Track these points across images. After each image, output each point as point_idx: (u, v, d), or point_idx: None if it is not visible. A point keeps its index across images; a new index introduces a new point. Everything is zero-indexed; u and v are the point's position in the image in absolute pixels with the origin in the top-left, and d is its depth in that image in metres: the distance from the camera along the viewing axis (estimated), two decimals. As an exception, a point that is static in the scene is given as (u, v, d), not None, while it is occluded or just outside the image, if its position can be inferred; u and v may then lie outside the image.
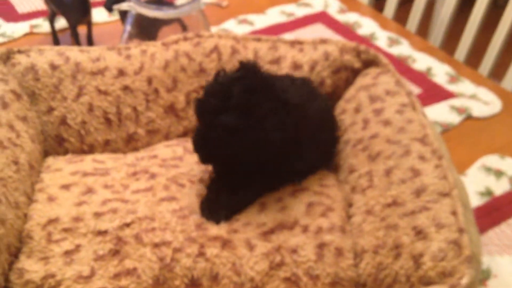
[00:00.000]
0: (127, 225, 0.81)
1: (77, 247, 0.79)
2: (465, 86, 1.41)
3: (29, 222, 0.83)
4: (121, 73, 1.01)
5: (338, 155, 0.99)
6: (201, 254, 0.78)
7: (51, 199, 0.86)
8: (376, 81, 1.05)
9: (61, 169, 0.93)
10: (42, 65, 0.99)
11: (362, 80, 1.07)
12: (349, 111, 1.03)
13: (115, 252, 0.78)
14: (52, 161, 0.96)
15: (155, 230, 0.80)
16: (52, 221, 0.82)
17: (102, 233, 0.80)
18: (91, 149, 1.01)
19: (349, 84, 1.09)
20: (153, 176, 0.90)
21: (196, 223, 0.81)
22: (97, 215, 0.83)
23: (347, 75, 1.08)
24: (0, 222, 0.78)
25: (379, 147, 0.91)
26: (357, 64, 1.08)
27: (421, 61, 1.51)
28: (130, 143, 1.02)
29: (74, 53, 1.02)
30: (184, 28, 1.31)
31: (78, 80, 1.00)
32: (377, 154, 0.91)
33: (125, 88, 1.01)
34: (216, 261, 0.77)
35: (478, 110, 1.32)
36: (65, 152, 1.00)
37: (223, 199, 0.82)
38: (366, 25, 1.66)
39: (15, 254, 0.81)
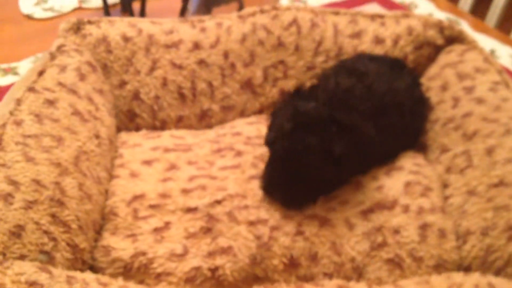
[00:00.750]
0: (218, 202, 0.78)
1: (167, 224, 0.77)
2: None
3: (111, 198, 0.81)
4: (196, 46, 0.97)
5: (426, 134, 0.95)
6: (299, 232, 0.75)
7: (134, 174, 0.83)
8: (463, 58, 1.01)
9: (140, 144, 0.90)
10: (114, 36, 0.96)
11: (447, 57, 1.03)
12: (435, 89, 0.99)
13: (207, 230, 0.75)
14: (127, 137, 0.93)
15: (248, 208, 0.77)
16: (138, 197, 0.80)
17: (192, 210, 0.78)
18: (163, 125, 0.98)
19: (430, 62, 1.06)
20: (239, 153, 0.87)
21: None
22: (185, 191, 0.80)
23: (429, 51, 1.05)
24: (87, 197, 0.75)
25: (475, 126, 0.88)
26: (440, 41, 1.04)
27: (483, 44, 1.46)
28: (204, 120, 0.99)
29: (146, 24, 0.99)
30: (241, 7, 1.27)
31: (152, 53, 0.97)
32: (474, 133, 0.87)
33: (201, 62, 0.97)
34: (315, 240, 0.74)
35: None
36: (136, 128, 0.98)
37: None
38: (423, 6, 1.62)
39: (98, 231, 0.78)
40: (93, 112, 0.86)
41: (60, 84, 0.84)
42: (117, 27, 0.97)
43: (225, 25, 0.99)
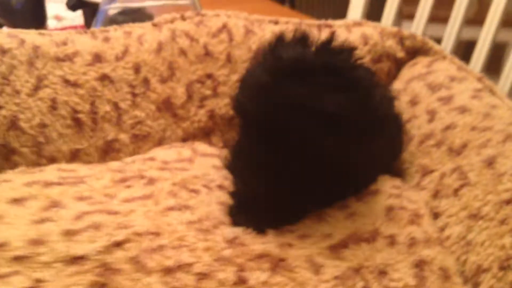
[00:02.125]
0: (118, 244, 0.53)
1: (38, 284, 0.51)
2: None
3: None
4: (98, 58, 0.77)
5: (400, 158, 0.76)
6: (241, 281, 0.51)
7: (-4, 218, 0.58)
8: (431, 69, 0.85)
9: (10, 180, 0.66)
10: (-15, 48, 0.73)
11: (411, 71, 0.87)
12: (402, 105, 0.82)
13: (100, 287, 0.50)
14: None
15: (164, 249, 0.53)
16: (-2, 247, 0.54)
17: (77, 259, 0.53)
18: (51, 164, 0.74)
19: (391, 79, 0.90)
20: (151, 181, 0.64)
21: (226, 238, 0.54)
22: (69, 234, 0.55)
23: (389, 65, 0.89)
24: None
25: (463, 138, 0.70)
26: (400, 54, 0.89)
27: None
28: (108, 154, 0.76)
29: (31, 36, 0.78)
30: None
31: (37, 68, 0.75)
32: (463, 145, 0.69)
33: (103, 78, 0.76)
34: (265, 292, 0.51)
35: None
36: (13, 168, 0.73)
37: (267, 200, 0.56)
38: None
39: None
40: None
41: None
42: (-9, 37, 0.75)
43: (136, 34, 0.80)
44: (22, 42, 0.76)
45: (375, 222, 0.58)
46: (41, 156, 0.75)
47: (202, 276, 0.51)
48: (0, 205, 0.61)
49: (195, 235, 0.55)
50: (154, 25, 0.81)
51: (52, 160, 0.75)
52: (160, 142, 0.78)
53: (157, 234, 0.55)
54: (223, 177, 0.66)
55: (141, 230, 0.55)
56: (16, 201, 0.61)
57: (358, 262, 0.54)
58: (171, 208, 0.59)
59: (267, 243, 0.54)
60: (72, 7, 1.03)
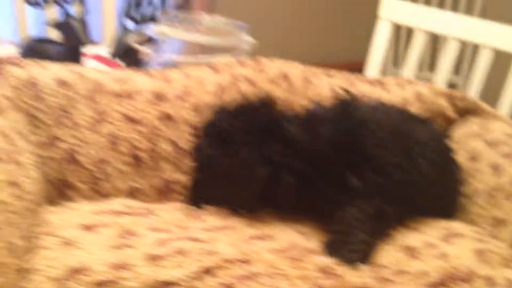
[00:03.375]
0: (207, 271, 0.52)
1: (124, 309, 0.49)
2: None
3: (31, 277, 0.53)
4: (159, 97, 0.78)
5: (465, 210, 0.76)
6: (345, 312, 0.49)
7: (68, 243, 0.57)
8: (486, 128, 0.87)
9: (76, 208, 0.64)
10: (46, 80, 0.74)
11: (464, 130, 0.89)
12: (460, 162, 0.84)
13: (195, 314, 0.48)
14: (54, 209, 0.67)
15: (258, 277, 0.51)
16: (76, 271, 0.52)
17: (166, 285, 0.51)
18: (106, 202, 0.73)
19: (442, 136, 0.91)
20: (225, 216, 0.63)
21: (319, 267, 0.53)
22: (154, 259, 0.54)
23: (440, 123, 0.91)
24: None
25: (535, 189, 0.71)
26: (451, 113, 0.91)
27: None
28: (166, 195, 0.75)
29: (90, 72, 0.79)
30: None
31: (97, 102, 0.75)
32: (537, 196, 0.70)
33: (164, 117, 0.77)
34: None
35: None
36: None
37: (359, 232, 0.56)
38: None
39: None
40: (11, 153, 0.61)
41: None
42: (51, 70, 0.76)
43: (195, 76, 0.81)
44: (82, 76, 0.77)
45: (467, 263, 0.58)
46: (97, 193, 0.74)
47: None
48: (71, 231, 0.59)
49: (286, 263, 0.54)
50: (213, 68, 0.83)
51: (107, 197, 0.73)
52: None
53: (246, 261, 0.54)
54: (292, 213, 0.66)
55: (230, 257, 0.54)
56: (87, 227, 0.60)
57: (460, 300, 0.53)
58: (253, 237, 0.58)
59: (364, 277, 0.53)
60: (116, 56, 1.05)
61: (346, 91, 0.73)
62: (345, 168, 0.63)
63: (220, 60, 0.85)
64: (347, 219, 0.60)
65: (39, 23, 1.46)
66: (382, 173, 0.64)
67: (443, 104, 0.91)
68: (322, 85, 0.85)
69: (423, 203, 0.70)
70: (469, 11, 2.19)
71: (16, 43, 1.29)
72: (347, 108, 0.71)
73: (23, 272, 0.54)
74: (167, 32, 0.94)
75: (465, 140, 0.87)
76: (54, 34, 1.16)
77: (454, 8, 2.22)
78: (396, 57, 2.20)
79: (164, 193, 0.75)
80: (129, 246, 0.56)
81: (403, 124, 0.74)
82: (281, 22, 2.19)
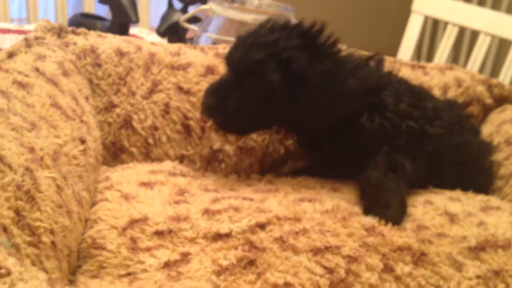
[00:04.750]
0: (260, 226, 0.56)
1: (185, 257, 0.53)
2: None
3: (94, 227, 0.57)
4: (210, 70, 0.82)
5: (499, 191, 0.79)
6: (388, 269, 0.53)
7: (128, 197, 0.61)
8: (523, 114, 0.90)
9: (133, 167, 0.69)
10: (105, 49, 0.79)
11: (501, 116, 0.92)
12: (498, 146, 0.86)
13: (248, 262, 0.52)
14: (112, 169, 0.72)
15: (308, 233, 0.55)
16: (137, 221, 0.57)
17: (222, 236, 0.55)
18: (157, 166, 0.77)
19: (478, 122, 0.94)
20: (270, 181, 0.68)
21: (365, 226, 0.57)
22: (209, 213, 0.58)
23: (478, 110, 0.94)
24: (66, 209, 0.53)
25: None
26: (488, 100, 0.94)
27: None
28: (211, 164, 0.79)
29: (146, 43, 0.84)
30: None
31: (153, 73, 0.80)
32: None
33: (215, 89, 0.80)
34: (410, 283, 0.53)
35: None
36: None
37: (385, 190, 0.61)
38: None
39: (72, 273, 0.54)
40: (78, 112, 0.65)
41: (37, 70, 0.65)
42: (110, 41, 0.81)
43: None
44: (139, 48, 0.82)
45: (507, 234, 0.61)
46: (148, 158, 0.78)
47: (351, 259, 0.53)
48: (131, 187, 0.63)
49: (334, 222, 0.57)
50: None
51: (158, 163, 0.78)
52: (262, 160, 0.81)
53: (296, 219, 0.57)
54: (332, 182, 0.70)
55: (280, 215, 0.58)
56: (145, 184, 0.64)
57: (498, 265, 0.56)
58: (301, 199, 0.62)
59: (406, 237, 0.56)
60: (163, 33, 1.10)
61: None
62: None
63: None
64: (369, 182, 0.63)
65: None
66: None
67: (481, 90, 0.93)
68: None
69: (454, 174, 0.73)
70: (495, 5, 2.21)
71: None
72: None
73: (89, 222, 0.59)
74: (216, 10, 0.97)
75: (500, 127, 0.89)
76: (102, 11, 1.20)
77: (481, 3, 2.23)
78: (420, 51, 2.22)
79: (209, 161, 0.79)
80: (185, 201, 0.60)
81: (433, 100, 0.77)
82: (324, 6, 2.24)
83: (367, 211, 0.61)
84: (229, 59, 0.67)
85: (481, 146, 0.81)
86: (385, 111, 0.67)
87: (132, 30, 1.36)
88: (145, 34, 1.42)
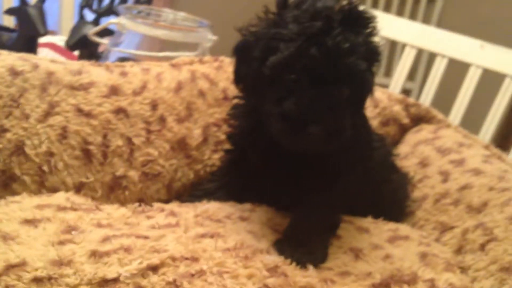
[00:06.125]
0: (152, 268, 0.51)
1: (63, 307, 0.47)
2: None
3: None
4: (114, 91, 0.76)
5: (413, 215, 0.78)
6: (288, 314, 0.49)
7: (6, 238, 0.55)
8: (438, 135, 0.89)
9: (18, 201, 0.62)
10: (-3, 68, 0.72)
11: (417, 136, 0.91)
12: (412, 167, 0.85)
13: (135, 312, 0.47)
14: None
15: (204, 275, 0.50)
16: (13, 266, 0.50)
17: (108, 282, 0.50)
18: (53, 196, 0.71)
19: (394, 142, 0.93)
20: (173, 213, 0.63)
21: (268, 266, 0.53)
22: (97, 255, 0.52)
23: (395, 130, 0.92)
24: None
25: (481, 197, 0.73)
26: (405, 120, 0.93)
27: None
28: (114, 192, 0.74)
29: (44, 62, 0.77)
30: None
31: (50, 94, 0.73)
32: (483, 204, 0.72)
33: (119, 111, 0.75)
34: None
35: None
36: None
37: (315, 228, 0.57)
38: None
39: None
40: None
41: None
42: (3, 58, 0.74)
43: (154, 71, 0.80)
44: (36, 66, 0.75)
45: (412, 266, 0.58)
46: (43, 187, 0.71)
47: (248, 304, 0.49)
48: (12, 225, 0.57)
49: (234, 261, 0.53)
50: (173, 65, 0.82)
51: (54, 192, 0.71)
52: (169, 185, 0.76)
53: (194, 259, 0.53)
54: (241, 210, 0.66)
55: (176, 255, 0.53)
56: (28, 222, 0.58)
57: (403, 303, 0.53)
58: (202, 235, 0.57)
59: (309, 277, 0.53)
60: (72, 46, 1.03)
61: None
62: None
63: (180, 56, 0.84)
64: (302, 226, 0.60)
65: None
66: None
67: (398, 110, 0.92)
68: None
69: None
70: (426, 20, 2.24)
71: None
72: None
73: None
74: (127, 25, 0.92)
75: (416, 147, 0.88)
76: (10, 22, 1.12)
77: (412, 17, 2.27)
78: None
79: (112, 188, 0.74)
80: (71, 241, 0.55)
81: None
82: (243, 20, 2.20)
83: (278, 247, 0.57)
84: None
85: (398, 182, 0.79)
86: None
87: (52, 38, 1.27)
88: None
